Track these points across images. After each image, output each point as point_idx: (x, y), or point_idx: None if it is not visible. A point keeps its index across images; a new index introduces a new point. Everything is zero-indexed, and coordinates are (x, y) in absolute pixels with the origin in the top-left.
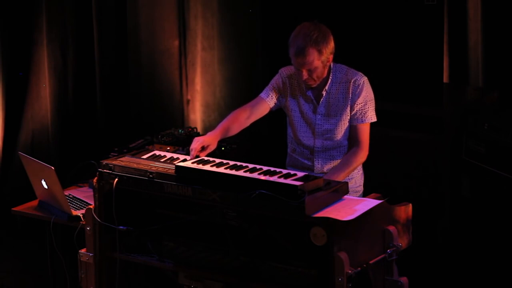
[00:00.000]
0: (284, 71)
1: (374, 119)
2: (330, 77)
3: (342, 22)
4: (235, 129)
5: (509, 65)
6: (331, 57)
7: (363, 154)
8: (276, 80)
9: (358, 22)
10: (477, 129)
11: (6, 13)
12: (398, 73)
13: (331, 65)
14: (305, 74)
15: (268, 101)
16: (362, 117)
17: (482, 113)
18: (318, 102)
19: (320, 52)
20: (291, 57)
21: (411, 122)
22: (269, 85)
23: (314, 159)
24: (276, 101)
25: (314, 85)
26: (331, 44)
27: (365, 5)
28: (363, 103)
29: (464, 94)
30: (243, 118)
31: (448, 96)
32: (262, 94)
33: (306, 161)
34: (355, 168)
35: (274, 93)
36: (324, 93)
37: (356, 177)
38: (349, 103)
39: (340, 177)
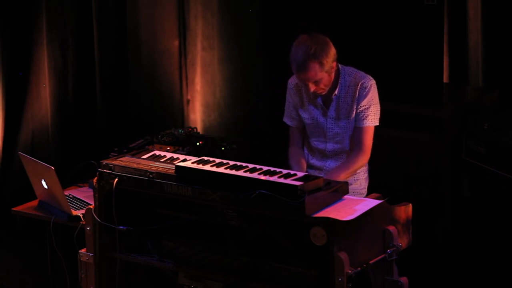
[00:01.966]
0: (291, 82)
1: (376, 123)
2: (340, 81)
3: (342, 22)
4: (304, 162)
5: (509, 65)
6: (334, 64)
7: (363, 157)
8: (288, 99)
9: (358, 22)
10: (477, 129)
11: (6, 13)
12: (398, 73)
13: (340, 68)
14: (312, 87)
15: (298, 125)
16: (363, 119)
17: (482, 113)
18: (327, 107)
19: (321, 64)
20: (294, 73)
21: (411, 122)
22: (286, 110)
23: (326, 162)
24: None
25: (324, 93)
26: (332, 52)
27: (365, 5)
28: (366, 106)
29: (464, 94)
30: (302, 152)
31: (448, 96)
32: (290, 123)
33: (317, 162)
34: (355, 171)
35: (296, 114)
36: (333, 97)
37: (361, 179)
38: (355, 104)
39: (339, 178)
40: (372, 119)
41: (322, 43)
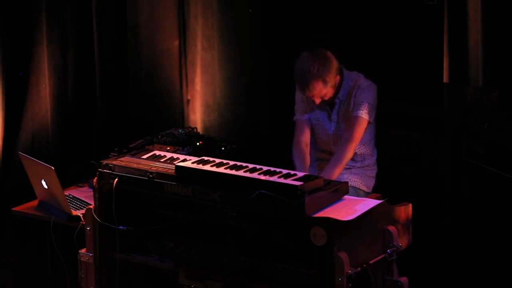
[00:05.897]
0: None
1: (369, 119)
2: (342, 85)
3: (342, 22)
4: (308, 161)
5: (509, 65)
6: (338, 77)
7: (353, 148)
8: (296, 97)
9: (358, 22)
10: (477, 129)
11: (6, 13)
12: (398, 73)
13: (344, 73)
14: (317, 101)
15: (307, 117)
16: (357, 109)
17: (482, 113)
18: (331, 110)
19: (324, 81)
20: (299, 89)
21: (411, 122)
22: (296, 106)
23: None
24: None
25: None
26: (334, 67)
27: (365, 5)
28: (361, 101)
29: (464, 94)
30: (307, 150)
31: (448, 96)
32: (300, 116)
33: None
34: (346, 163)
35: (305, 107)
36: (336, 100)
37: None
38: (352, 104)
39: (335, 175)
40: (365, 112)
41: (324, 60)
